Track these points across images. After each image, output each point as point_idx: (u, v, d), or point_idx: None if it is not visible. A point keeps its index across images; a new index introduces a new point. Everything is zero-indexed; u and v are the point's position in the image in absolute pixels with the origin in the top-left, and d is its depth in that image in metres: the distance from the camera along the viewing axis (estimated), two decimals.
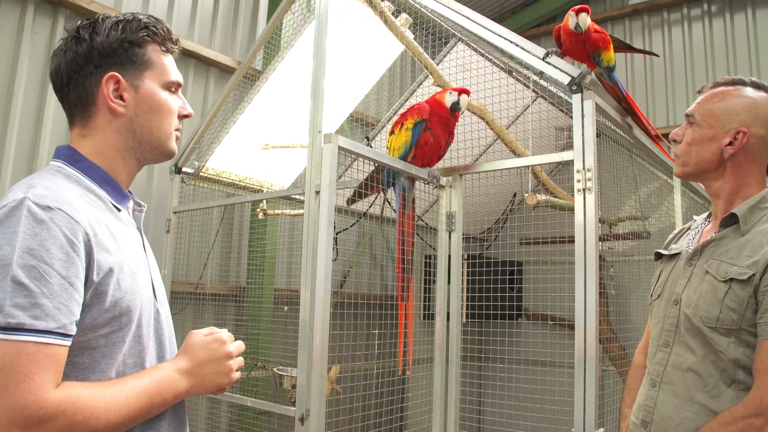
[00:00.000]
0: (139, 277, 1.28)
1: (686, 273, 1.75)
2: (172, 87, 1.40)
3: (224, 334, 1.39)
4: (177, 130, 1.43)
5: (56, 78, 1.34)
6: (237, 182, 4.30)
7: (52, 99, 3.84)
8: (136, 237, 1.37)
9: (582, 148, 2.35)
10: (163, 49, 1.39)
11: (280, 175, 4.42)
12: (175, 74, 1.41)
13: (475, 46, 3.90)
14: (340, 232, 3.64)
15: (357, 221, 4.27)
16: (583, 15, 2.49)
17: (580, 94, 2.38)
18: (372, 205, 4.07)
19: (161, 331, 1.36)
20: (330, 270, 2.08)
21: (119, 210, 1.33)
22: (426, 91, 4.11)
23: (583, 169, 2.34)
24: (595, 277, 2.26)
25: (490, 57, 3.84)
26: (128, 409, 1.16)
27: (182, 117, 1.44)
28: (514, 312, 4.48)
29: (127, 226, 1.33)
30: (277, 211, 3.97)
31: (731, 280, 1.60)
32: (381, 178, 2.77)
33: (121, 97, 1.32)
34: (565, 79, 2.42)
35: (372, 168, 2.83)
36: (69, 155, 1.32)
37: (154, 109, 1.35)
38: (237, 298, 4.50)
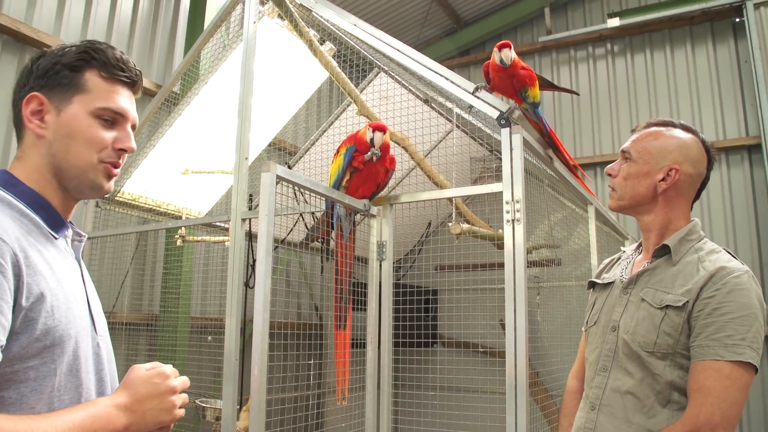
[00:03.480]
0: (75, 307, 1.21)
1: (622, 301, 1.84)
2: (105, 115, 1.29)
3: (167, 368, 1.29)
4: (109, 163, 1.30)
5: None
6: (154, 207, 4.17)
7: None
8: (74, 266, 1.30)
9: (511, 180, 2.43)
10: (104, 75, 1.30)
11: (198, 200, 4.32)
12: (112, 102, 1.30)
13: (396, 77, 3.99)
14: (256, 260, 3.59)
15: (276, 247, 4.22)
16: (505, 50, 2.59)
17: (508, 128, 2.47)
18: (290, 232, 4.05)
19: (101, 366, 1.30)
20: (269, 300, 2.05)
21: (56, 238, 1.27)
22: (349, 120, 4.15)
23: (512, 200, 2.42)
24: (525, 303, 2.33)
25: (410, 87, 3.93)
26: None
27: (119, 150, 1.31)
28: (429, 339, 4.53)
29: (63, 255, 1.27)
30: (197, 238, 3.87)
31: (667, 307, 1.70)
32: (329, 212, 2.78)
33: (43, 119, 1.27)
34: (494, 114, 2.51)
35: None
36: (5, 179, 1.26)
37: (72, 135, 1.27)
38: (150, 326, 4.34)
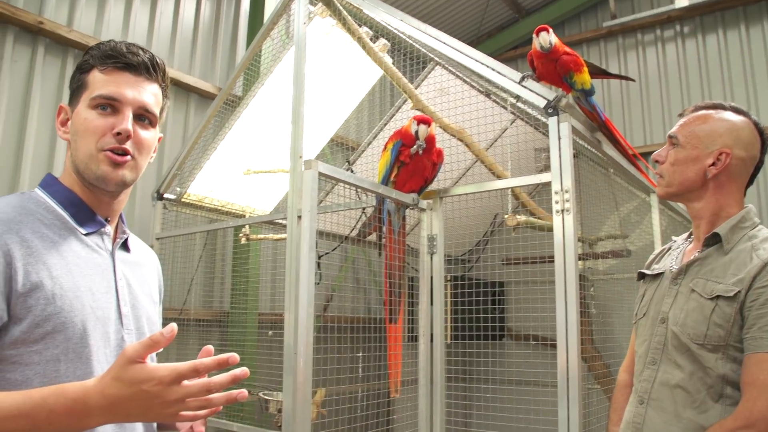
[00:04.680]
0: (87, 297, 1.25)
1: (672, 292, 1.78)
2: (100, 104, 1.29)
3: (170, 373, 1.06)
4: (111, 150, 1.28)
5: None
6: (219, 208, 4.31)
7: (33, 128, 3.84)
8: (103, 261, 1.34)
9: (559, 170, 2.39)
10: (101, 68, 1.31)
11: (262, 199, 4.43)
12: (102, 89, 1.29)
13: (453, 70, 3.97)
14: (323, 255, 3.66)
15: (339, 245, 4.29)
16: (543, 34, 2.53)
17: (556, 117, 2.43)
18: (353, 229, 4.09)
19: None
20: (312, 294, 2.10)
21: (82, 233, 1.32)
22: (405, 115, 4.16)
23: (561, 190, 2.38)
24: (576, 295, 2.29)
25: (468, 80, 3.90)
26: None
27: (117, 135, 1.29)
28: (497, 332, 4.50)
29: (90, 248, 1.32)
30: (259, 236, 3.98)
31: (718, 297, 1.64)
32: (379, 208, 2.80)
33: (67, 124, 1.36)
34: (541, 102, 2.47)
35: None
36: (46, 181, 1.36)
37: (77, 131, 1.31)
38: (221, 323, 4.48)
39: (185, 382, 1.07)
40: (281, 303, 4.85)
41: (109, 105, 1.30)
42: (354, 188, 3.11)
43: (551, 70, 2.55)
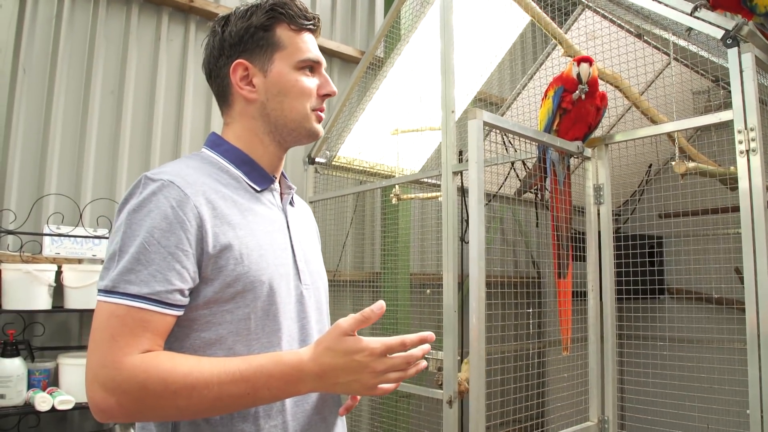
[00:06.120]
0: (270, 255, 1.27)
1: None
2: (305, 65, 1.37)
3: (382, 346, 1.15)
4: (318, 110, 1.39)
5: (204, 71, 1.43)
6: (368, 169, 4.35)
7: (189, 102, 4.04)
8: (278, 217, 1.37)
9: (743, 106, 2.16)
10: (294, 27, 1.36)
11: (410, 159, 4.42)
12: (309, 52, 1.37)
13: (603, 12, 3.72)
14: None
15: (488, 203, 4.20)
16: None
17: (736, 48, 2.19)
18: (502, 185, 3.98)
19: (304, 314, 1.34)
20: (483, 248, 2.04)
21: (258, 190, 1.34)
22: (555, 62, 3.96)
23: (745, 129, 2.15)
24: (767, 247, 2.08)
25: (619, 22, 3.64)
26: (219, 393, 1.09)
27: (323, 96, 1.40)
28: (656, 289, 4.25)
29: (265, 206, 1.34)
30: (411, 195, 3.97)
31: None
32: (542, 158, 2.69)
33: (252, 83, 1.35)
34: (718, 34, 2.24)
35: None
36: (212, 141, 1.39)
37: (284, 92, 1.34)
38: (373, 284, 4.56)
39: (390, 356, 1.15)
40: (430, 263, 4.89)
41: (311, 67, 1.38)
42: (505, 139, 3.00)
43: None
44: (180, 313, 1.16)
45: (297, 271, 1.35)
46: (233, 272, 1.19)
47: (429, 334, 1.21)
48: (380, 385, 1.17)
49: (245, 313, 1.21)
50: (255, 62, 1.35)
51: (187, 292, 1.16)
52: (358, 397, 1.38)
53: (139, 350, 1.08)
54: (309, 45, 1.38)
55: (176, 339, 1.19)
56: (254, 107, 1.36)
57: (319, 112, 1.40)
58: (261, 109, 1.35)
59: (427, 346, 1.21)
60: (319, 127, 1.41)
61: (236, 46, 1.35)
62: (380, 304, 1.17)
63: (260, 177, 1.36)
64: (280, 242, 1.33)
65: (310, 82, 1.37)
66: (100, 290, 1.13)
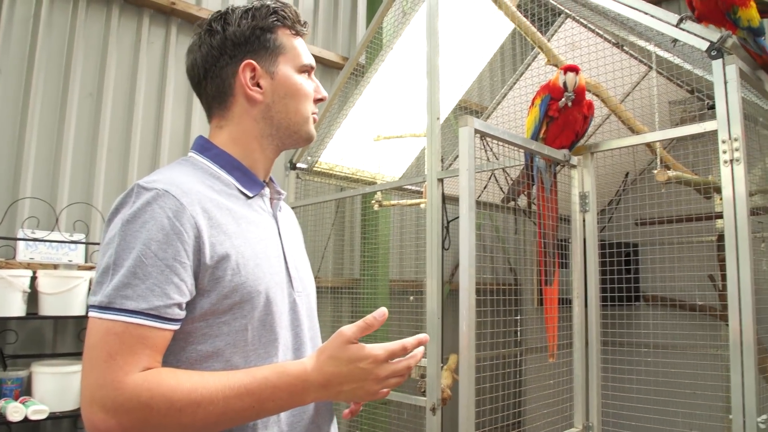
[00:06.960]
0: (265, 264, 1.24)
1: None
2: (305, 70, 1.38)
3: (384, 351, 1.16)
4: (314, 113, 1.40)
5: (193, 73, 1.36)
6: (349, 175, 4.33)
7: (169, 105, 3.99)
8: (270, 224, 1.34)
9: (727, 117, 2.20)
10: (293, 32, 1.37)
11: (391, 165, 4.42)
12: (307, 57, 1.39)
13: (584, 22, 3.76)
14: (452, 221, 3.58)
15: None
16: None
17: (721, 60, 2.23)
18: (483, 191, 4.00)
19: (297, 323, 1.32)
20: (474, 256, 2.03)
21: (249, 197, 1.31)
22: (537, 71, 4.00)
23: (729, 138, 2.19)
24: (749, 254, 2.11)
25: (599, 31, 3.69)
26: (224, 408, 1.07)
27: (317, 101, 1.41)
28: (633, 294, 4.31)
29: (257, 212, 1.31)
30: (393, 202, 3.96)
31: None
32: (529, 165, 2.71)
33: (258, 85, 1.32)
34: (703, 45, 2.27)
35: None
36: (201, 145, 1.35)
37: (290, 94, 1.34)
38: (352, 290, 4.53)
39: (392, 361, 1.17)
40: (409, 269, 4.89)
41: (308, 71, 1.40)
42: (487, 147, 3.01)
43: (712, 6, 2.33)
44: (177, 327, 1.12)
45: (290, 278, 1.32)
46: (230, 283, 1.16)
47: (425, 336, 1.22)
48: (377, 395, 1.18)
49: (242, 324, 1.18)
50: (262, 63, 1.32)
51: (184, 306, 1.12)
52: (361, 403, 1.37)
53: (139, 368, 1.05)
54: (305, 50, 1.40)
55: (172, 353, 1.14)
56: (258, 109, 1.33)
57: (315, 116, 1.41)
58: (265, 111, 1.33)
59: (422, 349, 1.22)
60: (314, 131, 1.42)
61: (241, 46, 1.31)
62: (382, 311, 1.16)
63: (252, 182, 1.33)
64: (274, 250, 1.30)
65: (309, 86, 1.39)
66: (93, 306, 1.08)
